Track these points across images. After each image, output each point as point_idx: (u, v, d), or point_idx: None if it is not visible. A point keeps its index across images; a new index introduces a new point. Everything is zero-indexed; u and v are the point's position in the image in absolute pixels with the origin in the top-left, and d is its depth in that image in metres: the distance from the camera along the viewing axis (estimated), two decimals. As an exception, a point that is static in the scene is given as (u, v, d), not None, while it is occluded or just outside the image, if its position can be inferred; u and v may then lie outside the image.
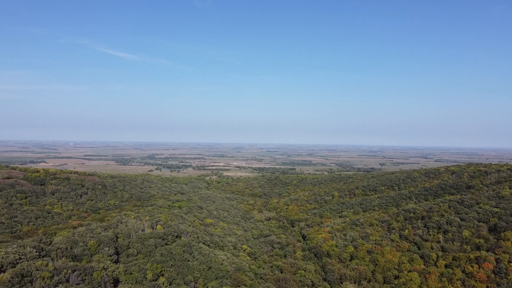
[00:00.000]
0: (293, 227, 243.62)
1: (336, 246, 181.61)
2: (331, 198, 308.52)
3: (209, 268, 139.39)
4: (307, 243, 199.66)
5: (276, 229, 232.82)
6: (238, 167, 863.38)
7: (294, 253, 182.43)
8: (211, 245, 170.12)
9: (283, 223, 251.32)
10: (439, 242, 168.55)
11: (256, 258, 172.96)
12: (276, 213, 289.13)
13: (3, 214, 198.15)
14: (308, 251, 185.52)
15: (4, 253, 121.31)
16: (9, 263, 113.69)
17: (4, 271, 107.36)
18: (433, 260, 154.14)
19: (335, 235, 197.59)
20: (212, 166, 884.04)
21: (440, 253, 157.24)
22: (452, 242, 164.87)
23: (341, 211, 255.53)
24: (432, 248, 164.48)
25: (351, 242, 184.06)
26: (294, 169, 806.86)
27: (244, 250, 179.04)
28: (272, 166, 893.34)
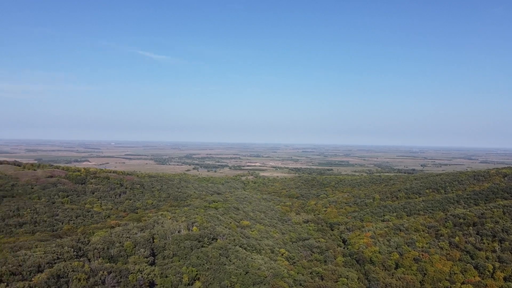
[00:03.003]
0: (332, 230, 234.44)
1: (379, 252, 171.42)
2: (371, 200, 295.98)
3: (246, 273, 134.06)
4: (348, 248, 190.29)
5: (314, 232, 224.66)
6: (274, 167, 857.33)
7: (335, 259, 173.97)
8: (248, 248, 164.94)
9: (322, 226, 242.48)
10: (494, 251, 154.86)
11: (294, 263, 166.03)
12: (314, 215, 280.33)
13: (45, 213, 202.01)
14: (349, 257, 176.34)
15: (43, 252, 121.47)
16: (47, 263, 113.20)
17: (41, 271, 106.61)
18: (489, 271, 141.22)
19: (378, 240, 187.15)
20: (248, 166, 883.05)
21: (497, 264, 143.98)
22: (510, 252, 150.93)
23: (383, 215, 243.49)
24: (487, 258, 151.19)
25: (396, 248, 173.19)
26: (332, 169, 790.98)
27: (282, 254, 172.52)
28: (308, 167, 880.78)
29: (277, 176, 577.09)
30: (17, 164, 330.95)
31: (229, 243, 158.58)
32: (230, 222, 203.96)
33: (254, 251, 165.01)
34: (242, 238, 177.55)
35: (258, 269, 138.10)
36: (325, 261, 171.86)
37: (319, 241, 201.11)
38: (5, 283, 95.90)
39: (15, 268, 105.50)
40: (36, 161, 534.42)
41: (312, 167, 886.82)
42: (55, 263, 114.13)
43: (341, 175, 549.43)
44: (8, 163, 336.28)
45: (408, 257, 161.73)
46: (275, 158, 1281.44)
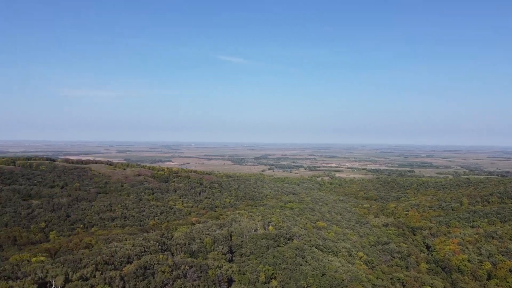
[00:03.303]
0: (414, 235, 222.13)
1: (468, 260, 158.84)
2: (459, 205, 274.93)
3: (323, 274, 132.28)
4: (432, 255, 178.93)
5: (395, 237, 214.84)
6: (350, 168, 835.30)
7: (418, 265, 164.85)
8: (324, 250, 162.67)
9: (403, 230, 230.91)
10: None
11: (373, 267, 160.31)
12: (395, 218, 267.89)
13: (133, 208, 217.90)
14: (434, 264, 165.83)
15: (132, 245, 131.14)
16: (135, 255, 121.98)
17: (130, 262, 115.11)
18: None
19: (467, 248, 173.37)
20: (323, 166, 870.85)
21: None
22: None
23: (473, 221, 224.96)
24: None
25: (488, 257, 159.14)
26: (413, 171, 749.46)
27: (360, 258, 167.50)
28: (388, 168, 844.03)
29: (354, 177, 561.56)
30: (109, 163, 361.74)
31: (305, 244, 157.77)
32: (306, 223, 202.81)
33: (331, 253, 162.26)
34: (319, 239, 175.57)
35: (335, 271, 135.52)
36: (406, 267, 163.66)
37: (400, 245, 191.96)
38: (100, 272, 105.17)
39: (108, 258, 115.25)
40: (125, 161, 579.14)
41: (392, 168, 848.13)
42: (142, 255, 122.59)
43: (424, 177, 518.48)
44: (102, 163, 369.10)
45: (503, 268, 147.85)
46: (351, 158, 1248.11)
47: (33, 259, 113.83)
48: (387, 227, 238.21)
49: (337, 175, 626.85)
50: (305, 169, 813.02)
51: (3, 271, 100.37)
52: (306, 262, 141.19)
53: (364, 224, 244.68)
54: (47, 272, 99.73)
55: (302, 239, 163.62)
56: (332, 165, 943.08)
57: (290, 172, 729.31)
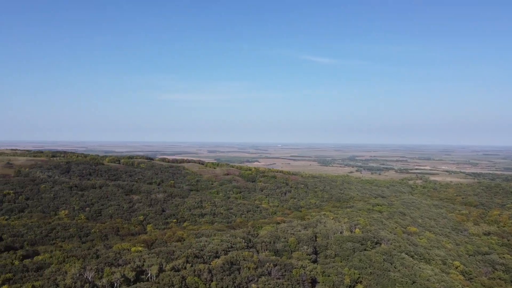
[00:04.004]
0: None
1: None
2: None
3: (413, 282, 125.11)
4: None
5: (498, 247, 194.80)
6: (447, 171, 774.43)
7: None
8: (415, 256, 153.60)
9: (508, 240, 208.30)
10: None
11: (471, 279, 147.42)
12: (498, 227, 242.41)
13: (222, 206, 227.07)
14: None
15: (219, 241, 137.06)
16: (222, 250, 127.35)
17: (218, 257, 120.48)
18: None
19: None
20: (416, 169, 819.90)
21: None
22: None
23: None
24: None
25: None
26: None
27: (456, 268, 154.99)
28: (491, 172, 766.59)
29: (451, 181, 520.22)
30: (201, 163, 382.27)
31: (394, 249, 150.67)
32: (396, 227, 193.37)
33: (423, 260, 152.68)
34: (409, 245, 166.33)
35: (427, 280, 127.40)
36: (511, 281, 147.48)
37: (504, 257, 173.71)
38: (190, 264, 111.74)
39: (197, 251, 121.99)
40: (215, 161, 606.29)
41: (496, 172, 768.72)
42: (229, 251, 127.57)
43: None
44: (194, 162, 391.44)
45: None
46: (448, 161, 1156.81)
47: (133, 249, 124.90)
48: (489, 236, 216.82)
49: (432, 178, 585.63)
50: (396, 171, 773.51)
51: (107, 258, 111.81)
52: (395, 268, 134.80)
53: (461, 232, 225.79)
54: (144, 261, 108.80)
55: (390, 244, 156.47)
56: (425, 167, 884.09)
57: (379, 174, 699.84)
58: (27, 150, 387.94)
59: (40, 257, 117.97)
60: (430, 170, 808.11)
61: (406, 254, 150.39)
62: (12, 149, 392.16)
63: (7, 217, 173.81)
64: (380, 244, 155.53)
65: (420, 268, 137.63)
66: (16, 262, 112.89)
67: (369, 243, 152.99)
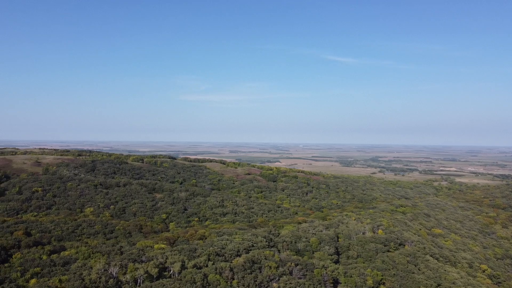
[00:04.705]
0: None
1: None
2: None
3: (438, 285, 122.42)
4: None
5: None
6: (473, 173, 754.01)
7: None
8: (440, 259, 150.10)
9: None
10: None
11: (499, 283, 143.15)
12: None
13: (243, 205, 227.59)
14: None
15: (241, 239, 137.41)
16: (244, 249, 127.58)
17: (239, 256, 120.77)
18: None
19: None
20: (441, 171, 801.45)
21: None
22: None
23: None
24: None
25: None
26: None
27: (484, 271, 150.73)
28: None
29: (478, 183, 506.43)
30: (222, 162, 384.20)
31: (418, 251, 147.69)
32: (420, 229, 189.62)
33: (448, 263, 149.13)
34: (434, 247, 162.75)
35: (453, 283, 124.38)
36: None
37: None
38: (212, 262, 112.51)
39: (219, 250, 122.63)
40: (237, 161, 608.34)
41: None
42: (250, 249, 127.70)
43: None
44: (216, 161, 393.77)
45: None
46: (474, 163, 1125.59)
47: (155, 246, 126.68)
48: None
49: (457, 180, 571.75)
50: (420, 172, 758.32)
51: (131, 254, 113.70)
52: (419, 270, 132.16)
53: (488, 235, 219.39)
54: (166, 258, 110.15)
55: (414, 246, 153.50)
56: (451, 169, 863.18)
57: (403, 175, 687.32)
58: (55, 149, 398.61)
59: (66, 253, 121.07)
60: (455, 171, 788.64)
61: (431, 256, 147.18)
62: (40, 148, 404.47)
63: (35, 213, 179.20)
64: (404, 245, 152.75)
65: (445, 271, 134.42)
66: (44, 257, 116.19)
67: (393, 244, 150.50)
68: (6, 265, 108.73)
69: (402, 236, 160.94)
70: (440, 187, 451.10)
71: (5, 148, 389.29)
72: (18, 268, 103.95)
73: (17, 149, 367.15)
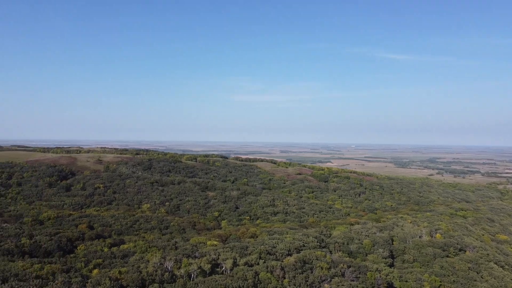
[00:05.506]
0: None
1: None
2: None
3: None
4: None
5: None
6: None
7: None
8: (506, 267, 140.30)
9: None
10: None
11: None
12: None
13: (294, 205, 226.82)
14: None
15: (292, 239, 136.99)
16: (295, 249, 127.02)
17: (290, 255, 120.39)
18: None
19: None
20: (506, 173, 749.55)
21: None
22: None
23: None
24: None
25: None
26: None
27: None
28: None
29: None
30: (273, 162, 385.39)
31: (481, 257, 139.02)
32: (483, 234, 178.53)
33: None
34: (499, 254, 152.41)
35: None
36: None
37: None
38: (263, 260, 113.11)
39: (270, 248, 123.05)
40: (287, 161, 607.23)
41: None
42: (301, 249, 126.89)
43: None
44: (267, 161, 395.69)
45: None
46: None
47: (208, 243, 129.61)
48: None
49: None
50: (482, 175, 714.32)
51: (185, 249, 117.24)
52: (482, 278, 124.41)
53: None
54: (219, 255, 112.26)
55: (477, 252, 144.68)
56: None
57: (463, 177, 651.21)
58: (115, 148, 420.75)
59: (125, 246, 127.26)
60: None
61: (495, 263, 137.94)
62: (101, 147, 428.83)
63: (97, 208, 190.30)
64: (465, 251, 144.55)
65: (511, 279, 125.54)
66: (105, 249, 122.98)
67: (452, 249, 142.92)
68: (71, 255, 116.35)
69: (463, 241, 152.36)
70: (505, 191, 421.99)
71: (71, 147, 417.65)
72: (82, 258, 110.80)
73: (81, 148, 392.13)
